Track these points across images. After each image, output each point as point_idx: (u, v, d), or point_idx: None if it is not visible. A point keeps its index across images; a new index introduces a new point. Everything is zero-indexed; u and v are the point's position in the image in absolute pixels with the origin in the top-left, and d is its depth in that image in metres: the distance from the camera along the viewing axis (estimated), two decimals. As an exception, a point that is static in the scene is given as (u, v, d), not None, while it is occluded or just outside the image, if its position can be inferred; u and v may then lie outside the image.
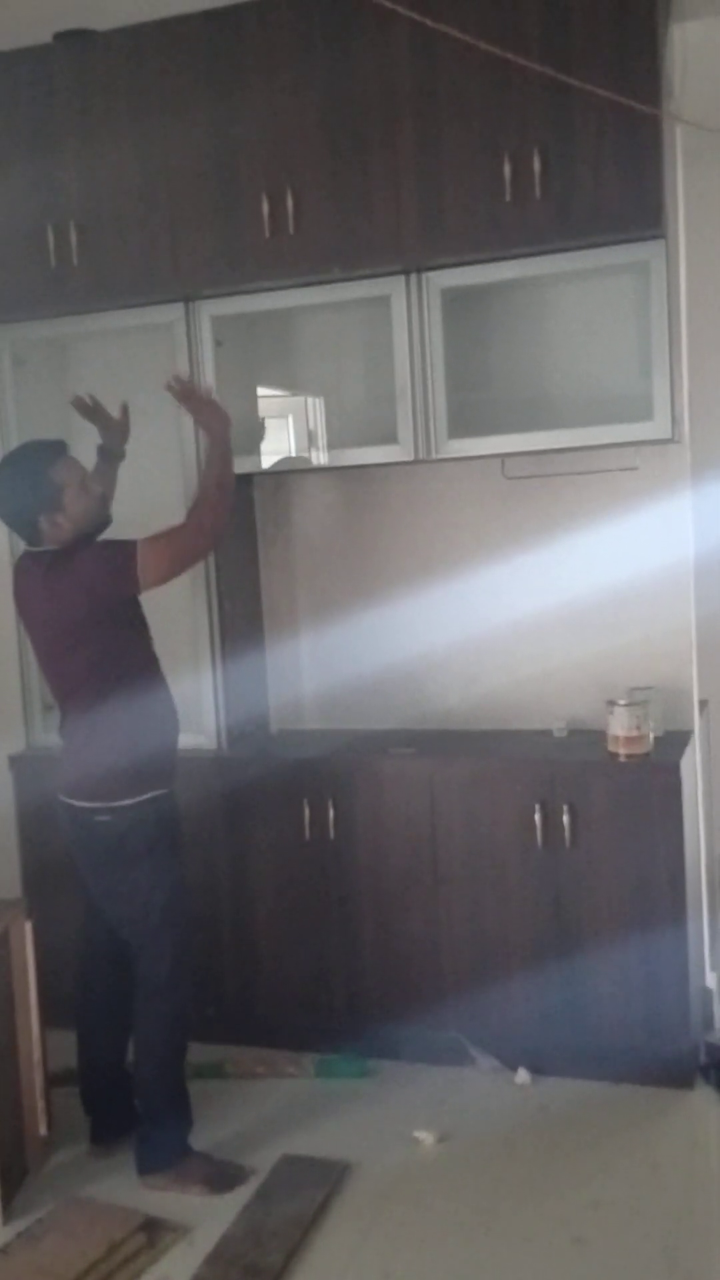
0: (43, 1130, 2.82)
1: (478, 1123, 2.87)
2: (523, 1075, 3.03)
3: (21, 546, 2.81)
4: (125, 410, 3.05)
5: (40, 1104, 2.81)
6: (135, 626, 2.72)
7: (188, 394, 2.82)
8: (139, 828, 2.63)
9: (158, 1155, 2.68)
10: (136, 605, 2.71)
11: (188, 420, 3.23)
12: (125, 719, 2.64)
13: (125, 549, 2.61)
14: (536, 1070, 3.04)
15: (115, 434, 3.05)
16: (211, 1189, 2.64)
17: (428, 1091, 3.01)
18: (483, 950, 3.04)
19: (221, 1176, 2.68)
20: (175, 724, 2.78)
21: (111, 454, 3.06)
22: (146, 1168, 2.68)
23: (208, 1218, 2.54)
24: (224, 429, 2.80)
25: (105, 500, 2.81)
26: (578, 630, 3.27)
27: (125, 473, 3.60)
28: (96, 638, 2.62)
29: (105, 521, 2.74)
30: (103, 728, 2.64)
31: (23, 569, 2.74)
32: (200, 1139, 2.81)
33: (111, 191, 3.17)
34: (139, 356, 3.49)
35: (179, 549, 2.66)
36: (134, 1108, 2.79)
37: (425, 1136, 2.81)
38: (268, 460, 3.34)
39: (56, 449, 2.71)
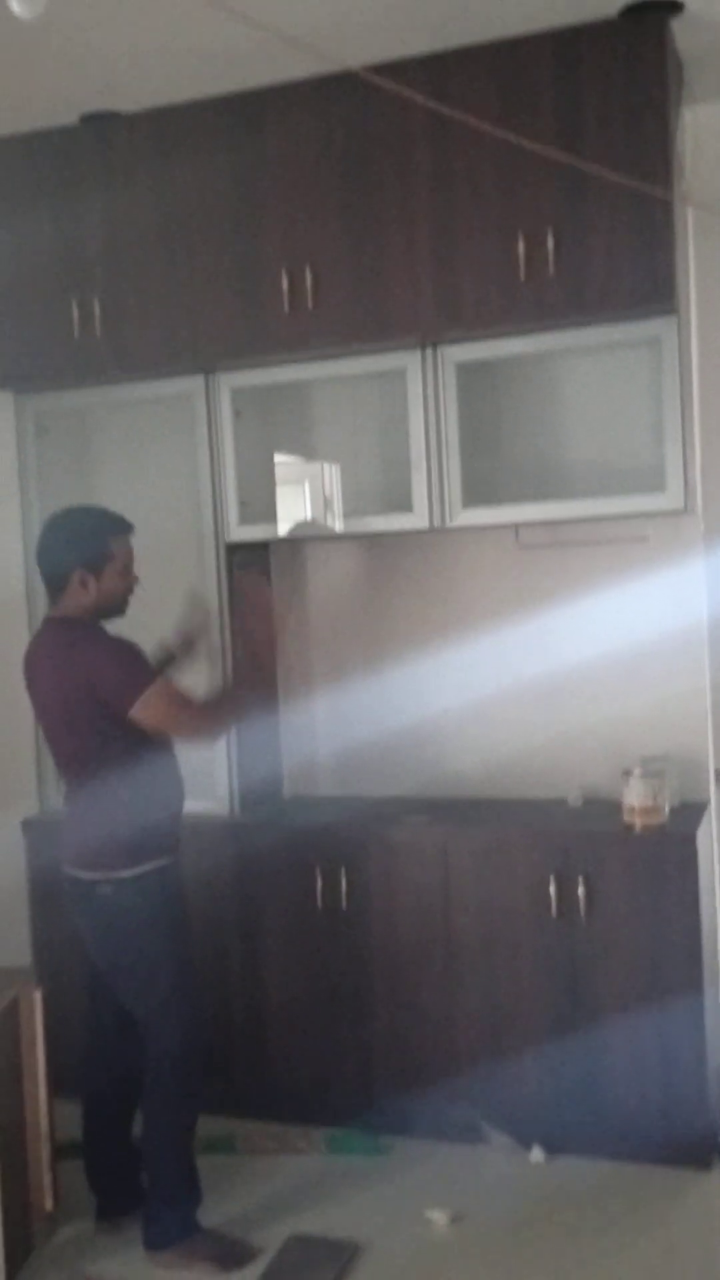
0: (49, 1205, 2.77)
1: (491, 1203, 2.81)
2: (537, 1154, 2.98)
3: (39, 614, 2.83)
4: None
5: (47, 1178, 2.77)
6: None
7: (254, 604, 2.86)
8: (141, 900, 2.61)
9: (166, 1232, 2.63)
10: None
11: (206, 488, 3.28)
12: (126, 789, 2.62)
13: (138, 677, 2.59)
14: (551, 1148, 2.98)
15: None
16: (220, 1267, 2.60)
17: (441, 1169, 2.95)
18: (496, 1024, 3.00)
19: (230, 1254, 2.63)
20: (180, 793, 2.77)
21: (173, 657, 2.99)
22: (154, 1244, 2.64)
23: (215, 1299, 2.49)
24: (269, 654, 2.80)
25: (127, 596, 2.79)
26: (591, 698, 3.27)
27: (140, 539, 3.65)
28: (94, 719, 2.60)
29: (119, 612, 2.76)
30: (103, 797, 2.63)
31: (38, 636, 2.77)
32: (208, 1215, 2.76)
33: (134, 265, 3.25)
34: (159, 426, 3.55)
35: (176, 721, 2.64)
36: (141, 1183, 2.75)
37: (438, 1216, 2.75)
38: (284, 527, 3.38)
39: (124, 525, 2.75)
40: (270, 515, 3.39)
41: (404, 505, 3.16)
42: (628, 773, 2.94)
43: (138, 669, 2.62)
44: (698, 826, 2.92)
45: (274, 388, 3.38)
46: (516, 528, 3.27)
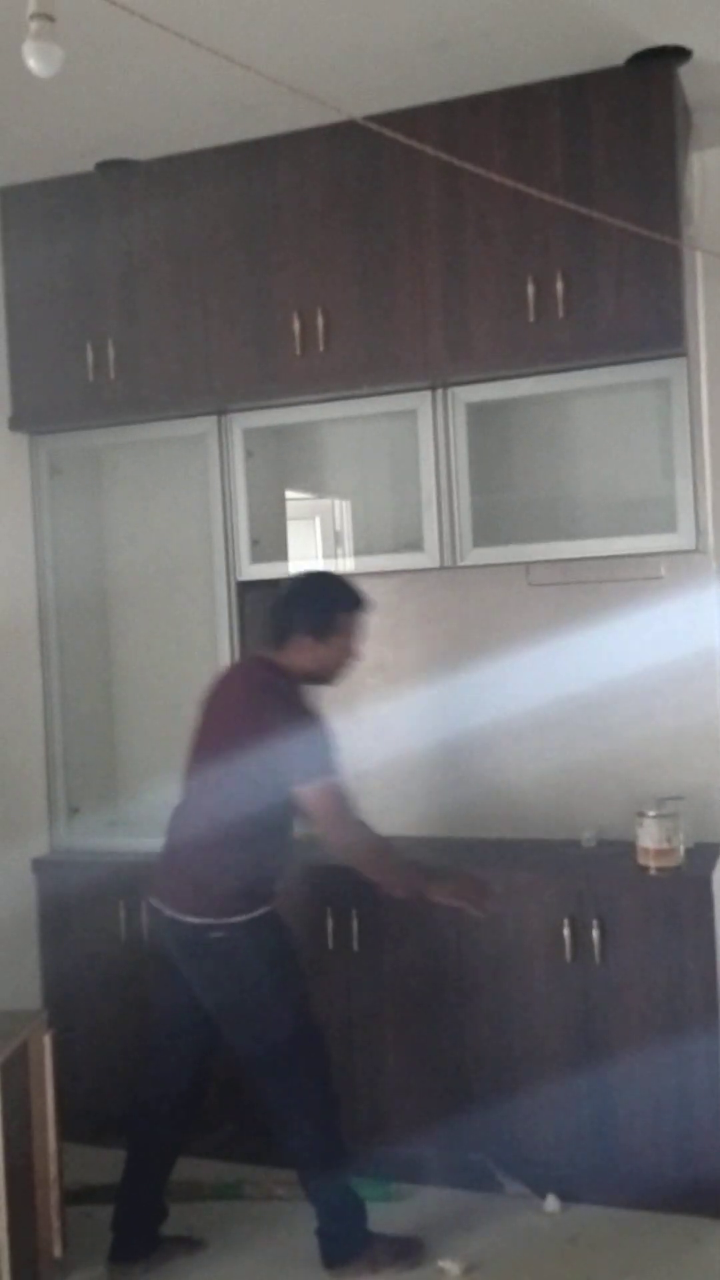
0: (57, 1251, 2.73)
1: (505, 1252, 2.77)
2: (552, 1202, 2.93)
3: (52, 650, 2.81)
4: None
5: (56, 1223, 2.74)
6: None
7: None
8: (255, 942, 2.62)
9: (346, 1247, 2.70)
10: None
11: (218, 527, 3.29)
12: (256, 841, 2.64)
13: (323, 760, 2.59)
14: (566, 1196, 2.94)
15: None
16: (405, 1264, 2.70)
17: (454, 1218, 2.90)
18: (510, 1069, 2.96)
19: (406, 1251, 2.73)
20: (292, 846, 2.77)
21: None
22: (337, 1261, 2.69)
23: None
24: (435, 898, 2.78)
25: (343, 671, 2.81)
26: (604, 735, 3.26)
27: (154, 579, 3.67)
28: (260, 774, 2.59)
29: (328, 683, 2.79)
30: (231, 847, 2.62)
31: (243, 669, 2.84)
32: (216, 1263, 2.73)
33: (148, 309, 3.29)
34: (172, 467, 3.58)
35: (334, 821, 2.61)
36: (158, 1235, 2.77)
37: (451, 1267, 2.70)
38: (295, 565, 3.39)
39: (359, 603, 2.77)
40: (281, 554, 3.41)
41: (414, 544, 3.18)
42: (642, 814, 2.92)
43: (325, 751, 2.61)
44: (713, 869, 2.89)
45: (285, 428, 3.41)
46: (528, 566, 3.28)
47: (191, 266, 3.24)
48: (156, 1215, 2.80)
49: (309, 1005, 2.71)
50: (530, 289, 2.90)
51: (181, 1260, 2.79)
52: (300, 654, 2.72)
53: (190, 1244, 2.85)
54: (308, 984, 2.75)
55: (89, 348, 3.32)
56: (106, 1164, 3.19)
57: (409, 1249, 2.74)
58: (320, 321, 3.09)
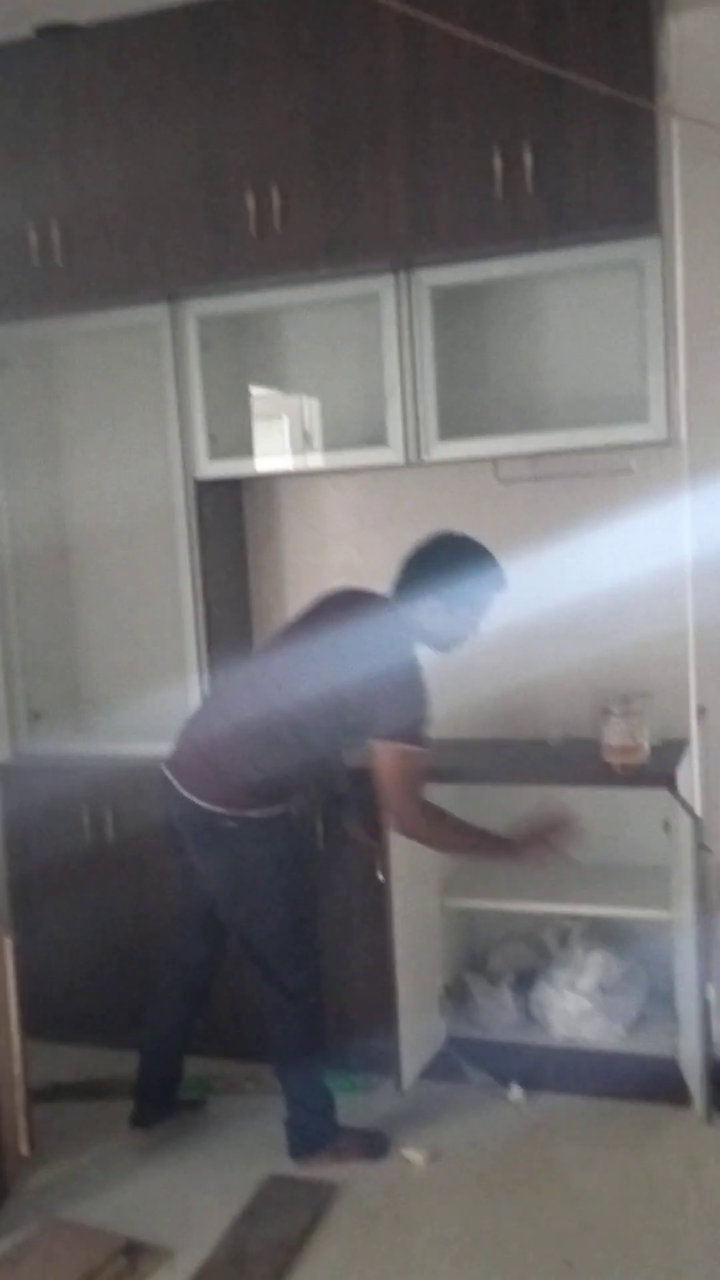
0: (24, 1149, 2.75)
1: (469, 1141, 2.81)
2: (516, 1092, 2.97)
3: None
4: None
5: (21, 1121, 2.74)
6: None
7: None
8: (265, 836, 2.61)
9: (314, 1139, 2.74)
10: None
11: (172, 423, 3.17)
12: (303, 760, 2.62)
13: (411, 726, 2.51)
14: (530, 1085, 2.97)
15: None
16: (369, 1158, 2.74)
17: (419, 1108, 2.94)
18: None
19: (373, 1144, 2.77)
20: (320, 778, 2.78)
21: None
22: (304, 1151, 2.73)
23: (191, 1240, 2.48)
24: (522, 858, 2.72)
25: (458, 645, 2.72)
26: (573, 636, 3.20)
27: (109, 478, 3.56)
28: (342, 709, 2.55)
29: (439, 650, 2.69)
30: (277, 759, 2.60)
31: (365, 598, 2.72)
32: (186, 1157, 2.76)
33: (95, 189, 3.10)
34: (125, 359, 3.43)
35: (398, 789, 2.54)
36: (175, 1099, 2.91)
37: (415, 1156, 2.74)
38: (261, 463, 3.28)
39: (500, 584, 2.67)
40: (241, 451, 3.29)
41: (379, 439, 3.06)
42: (607, 712, 2.88)
43: (420, 720, 2.53)
44: (677, 765, 2.87)
45: (243, 316, 3.26)
46: (496, 461, 3.18)
47: (139, 141, 3.05)
48: (173, 1081, 2.92)
49: (311, 906, 2.74)
50: (497, 162, 2.74)
51: (188, 1118, 2.94)
52: (427, 617, 2.63)
53: (192, 1105, 2.98)
54: (313, 887, 2.76)
55: (32, 230, 3.14)
56: (73, 1062, 3.24)
57: (375, 1143, 2.78)
58: (276, 199, 2.92)
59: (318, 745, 2.63)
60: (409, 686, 2.54)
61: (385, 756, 2.53)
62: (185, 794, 2.64)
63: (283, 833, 2.65)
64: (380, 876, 2.75)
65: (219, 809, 2.60)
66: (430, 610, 2.62)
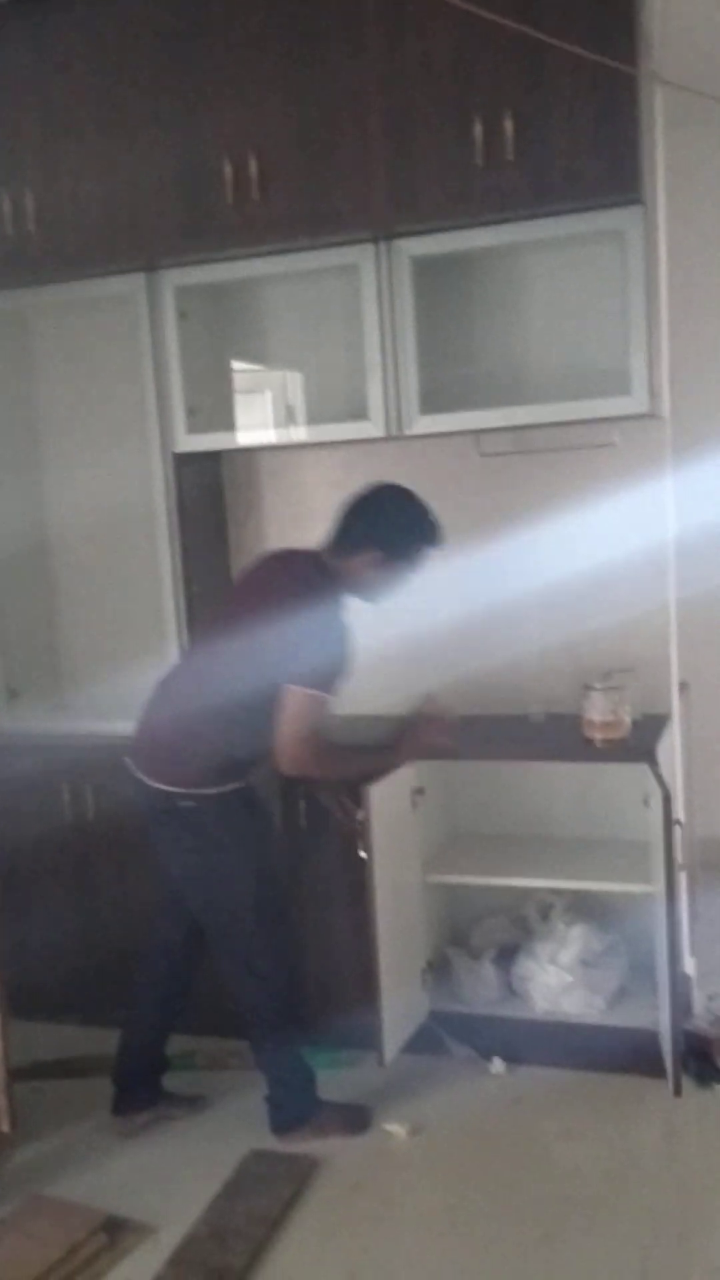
0: (4, 1127, 2.75)
1: (450, 1115, 2.82)
2: (498, 1065, 2.98)
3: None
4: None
5: (2, 1099, 2.74)
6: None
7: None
8: (223, 814, 2.60)
9: (294, 1115, 2.73)
10: None
11: (150, 395, 3.13)
12: (245, 721, 2.57)
13: (321, 670, 2.51)
14: (512, 1059, 2.98)
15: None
16: (351, 1132, 2.73)
17: (401, 1083, 2.94)
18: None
19: (354, 1119, 2.77)
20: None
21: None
22: (285, 1128, 2.72)
23: (173, 1215, 2.49)
24: (405, 759, 2.76)
25: (388, 597, 2.72)
26: (555, 611, 3.18)
27: (87, 453, 3.52)
28: (265, 650, 2.53)
29: (370, 601, 2.70)
30: (219, 724, 2.57)
31: (299, 557, 2.71)
32: (168, 1133, 2.77)
33: (70, 157, 3.05)
34: (102, 331, 3.38)
35: (292, 730, 2.52)
36: (161, 1089, 2.86)
37: (396, 1130, 2.75)
38: (241, 437, 3.24)
39: (441, 544, 2.67)
40: (220, 424, 3.25)
41: (361, 413, 3.03)
42: (589, 687, 2.87)
43: (333, 672, 2.54)
44: (658, 739, 2.86)
45: (221, 287, 3.21)
46: (478, 435, 3.15)
47: (114, 107, 3.00)
48: (157, 1067, 2.87)
49: (276, 881, 2.72)
50: (478, 129, 2.70)
51: (181, 1116, 2.87)
52: (363, 569, 2.62)
53: (192, 1102, 2.91)
54: (276, 861, 2.75)
55: (6, 199, 3.09)
56: (54, 1040, 3.23)
57: (356, 1117, 2.78)
58: (254, 166, 2.88)
59: (263, 712, 2.57)
60: (327, 638, 2.54)
61: (289, 699, 2.51)
62: (143, 778, 2.64)
63: (241, 809, 2.63)
64: (362, 853, 2.74)
65: (176, 789, 2.59)
66: (366, 562, 2.62)
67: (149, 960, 2.87)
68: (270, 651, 2.53)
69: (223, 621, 2.68)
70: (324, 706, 2.54)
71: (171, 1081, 2.92)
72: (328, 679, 2.53)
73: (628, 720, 2.87)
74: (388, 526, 2.62)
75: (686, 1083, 2.82)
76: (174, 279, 3.08)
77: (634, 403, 2.83)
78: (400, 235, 2.88)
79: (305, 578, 2.62)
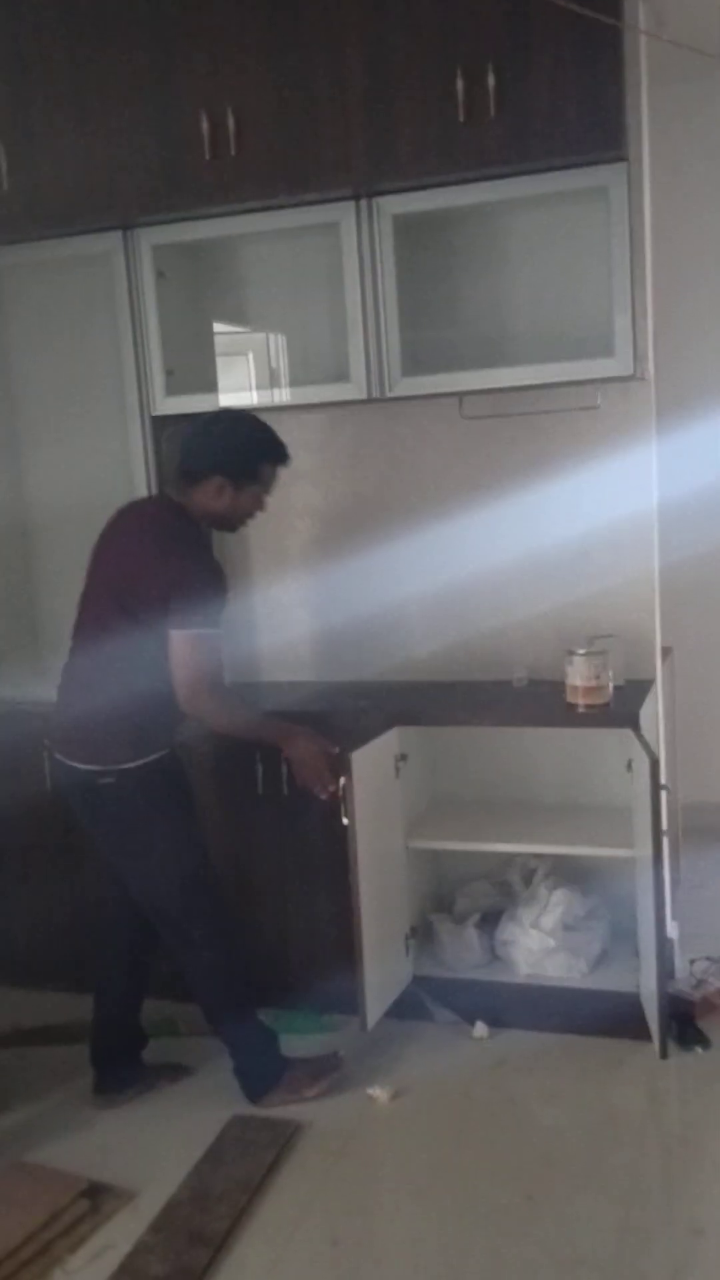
0: (-13, 1094, 2.76)
1: (433, 1078, 2.82)
2: (480, 1028, 2.99)
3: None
4: None
5: (-16, 1067, 2.75)
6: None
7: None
8: (143, 789, 2.57)
9: (263, 1079, 2.72)
10: None
11: (128, 356, 3.09)
12: (142, 684, 2.53)
13: (205, 610, 2.49)
14: (495, 1023, 2.99)
15: None
16: (327, 1081, 2.73)
17: (384, 1047, 2.95)
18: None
19: (324, 1069, 2.76)
20: None
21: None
22: (257, 1094, 2.71)
23: (155, 1181, 2.48)
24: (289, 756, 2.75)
25: (248, 520, 2.71)
26: (538, 577, 3.17)
27: (65, 416, 3.47)
28: (152, 615, 2.50)
29: (232, 529, 2.70)
30: (117, 689, 2.54)
31: (146, 506, 2.71)
32: (149, 1099, 2.77)
33: (43, 112, 2.98)
34: (78, 291, 3.32)
35: (189, 674, 2.49)
36: (141, 1064, 2.83)
37: (379, 1093, 2.76)
38: (220, 400, 3.19)
39: (283, 454, 2.64)
40: (200, 386, 3.20)
41: (343, 375, 2.98)
42: (571, 652, 2.85)
43: (214, 605, 2.51)
44: (641, 705, 2.85)
45: (199, 246, 3.16)
46: (460, 398, 3.11)
47: (88, 60, 2.93)
48: (135, 1043, 2.85)
49: (203, 849, 2.69)
50: (459, 83, 2.65)
51: (165, 1086, 2.84)
52: (212, 498, 2.60)
53: (175, 1069, 2.89)
54: (201, 828, 2.72)
55: (-22, 155, 3.02)
56: (36, 1007, 3.22)
57: (326, 1065, 2.77)
58: (231, 121, 2.82)
59: (162, 669, 2.54)
60: (196, 577, 2.51)
61: (176, 645, 2.48)
62: (63, 759, 2.62)
63: (160, 781, 2.61)
64: (345, 820, 2.73)
65: (94, 767, 2.57)
66: (212, 491, 2.59)
67: (106, 934, 2.85)
68: (148, 608, 2.50)
69: (100, 591, 2.62)
70: (212, 643, 2.52)
71: (153, 1049, 2.91)
72: (209, 616, 2.51)
73: (610, 685, 2.86)
74: (224, 450, 2.58)
75: (669, 1045, 2.84)
76: (151, 237, 3.02)
77: (618, 364, 2.80)
78: (381, 193, 2.84)
79: (159, 523, 2.59)
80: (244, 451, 2.60)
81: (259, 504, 2.68)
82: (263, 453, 2.61)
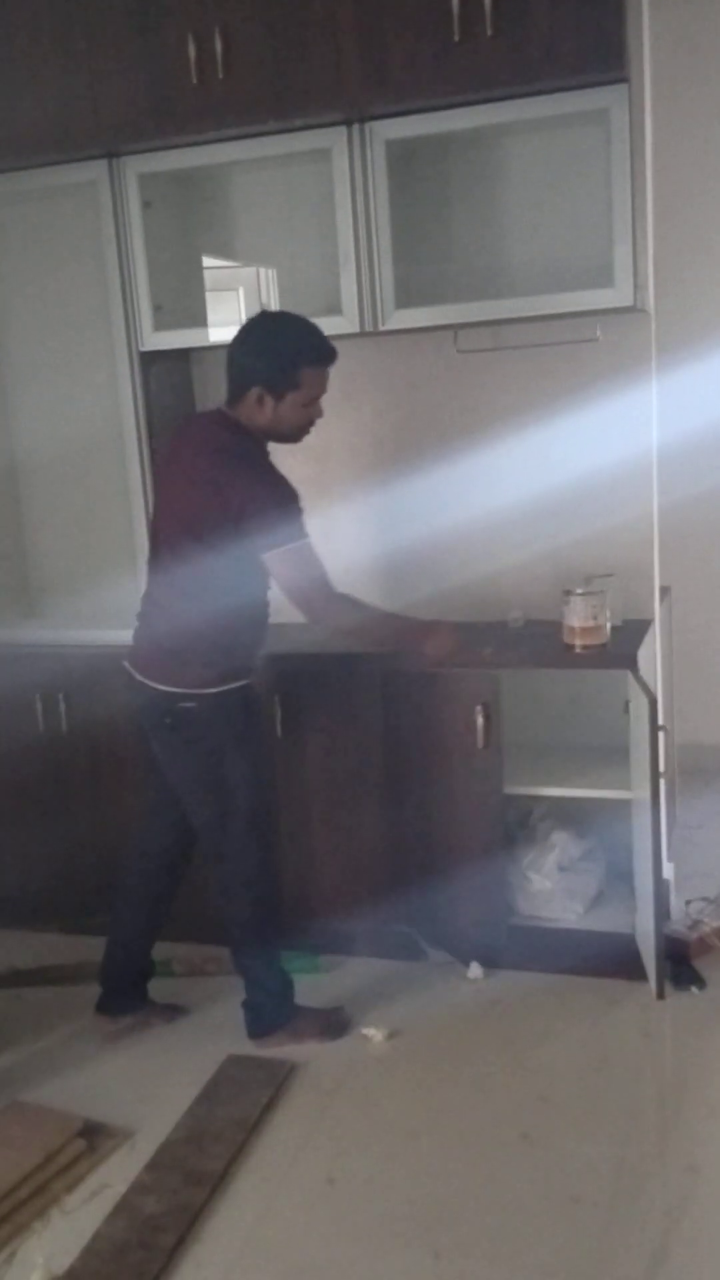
0: (-18, 1035, 2.76)
1: (428, 1018, 2.83)
2: (475, 969, 2.99)
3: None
4: None
5: (-20, 1009, 2.75)
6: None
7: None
8: (224, 716, 2.54)
9: (271, 1019, 2.73)
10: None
11: (115, 290, 3.01)
12: (226, 609, 2.49)
13: (291, 526, 2.42)
14: (489, 964, 3.00)
15: None
16: (327, 1037, 2.73)
17: (379, 987, 2.96)
18: (434, 845, 2.96)
19: (331, 1023, 2.76)
20: (267, 619, 2.63)
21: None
22: (262, 1031, 2.72)
23: (151, 1120, 2.49)
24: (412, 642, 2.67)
25: (307, 428, 2.59)
26: (536, 516, 3.11)
27: (51, 352, 3.39)
28: (225, 538, 2.43)
29: (291, 440, 2.57)
30: (201, 613, 2.49)
31: (202, 421, 2.60)
32: (146, 1039, 2.78)
33: (24, 36, 2.87)
34: (63, 222, 3.23)
35: (304, 590, 2.45)
36: (146, 994, 2.85)
37: (374, 1034, 2.76)
38: (210, 334, 3.11)
39: (323, 356, 2.49)
40: (189, 321, 3.12)
41: (335, 308, 2.91)
42: (569, 592, 2.81)
43: (293, 517, 2.44)
44: (639, 645, 2.82)
45: (187, 175, 3.06)
46: (455, 330, 3.03)
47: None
48: (143, 973, 2.86)
49: (268, 788, 2.69)
50: (454, 1, 2.54)
51: (160, 1025, 2.86)
52: (256, 411, 2.48)
53: (171, 1009, 2.91)
54: (269, 765, 2.71)
55: (-45, 79, 2.91)
56: (32, 948, 3.23)
57: (333, 1020, 2.79)
58: (219, 45, 2.71)
59: (248, 594, 2.51)
60: (259, 491, 2.43)
61: (278, 566, 2.44)
62: (144, 680, 2.58)
63: (241, 710, 2.58)
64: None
65: (177, 689, 2.53)
66: (255, 402, 2.48)
67: (134, 864, 2.84)
68: (219, 533, 2.43)
69: (172, 516, 2.55)
70: (306, 553, 2.45)
71: (150, 989, 2.92)
72: (293, 527, 2.44)
73: (607, 626, 2.82)
74: (259, 357, 2.46)
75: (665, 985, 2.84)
76: (137, 165, 2.93)
77: (618, 295, 2.72)
78: (374, 117, 2.74)
79: (214, 444, 2.49)
80: (279, 357, 2.45)
81: (310, 412, 2.52)
82: (299, 356, 2.46)
